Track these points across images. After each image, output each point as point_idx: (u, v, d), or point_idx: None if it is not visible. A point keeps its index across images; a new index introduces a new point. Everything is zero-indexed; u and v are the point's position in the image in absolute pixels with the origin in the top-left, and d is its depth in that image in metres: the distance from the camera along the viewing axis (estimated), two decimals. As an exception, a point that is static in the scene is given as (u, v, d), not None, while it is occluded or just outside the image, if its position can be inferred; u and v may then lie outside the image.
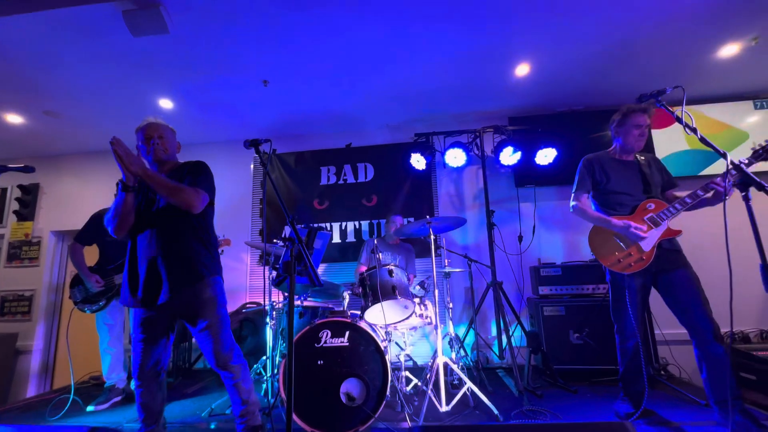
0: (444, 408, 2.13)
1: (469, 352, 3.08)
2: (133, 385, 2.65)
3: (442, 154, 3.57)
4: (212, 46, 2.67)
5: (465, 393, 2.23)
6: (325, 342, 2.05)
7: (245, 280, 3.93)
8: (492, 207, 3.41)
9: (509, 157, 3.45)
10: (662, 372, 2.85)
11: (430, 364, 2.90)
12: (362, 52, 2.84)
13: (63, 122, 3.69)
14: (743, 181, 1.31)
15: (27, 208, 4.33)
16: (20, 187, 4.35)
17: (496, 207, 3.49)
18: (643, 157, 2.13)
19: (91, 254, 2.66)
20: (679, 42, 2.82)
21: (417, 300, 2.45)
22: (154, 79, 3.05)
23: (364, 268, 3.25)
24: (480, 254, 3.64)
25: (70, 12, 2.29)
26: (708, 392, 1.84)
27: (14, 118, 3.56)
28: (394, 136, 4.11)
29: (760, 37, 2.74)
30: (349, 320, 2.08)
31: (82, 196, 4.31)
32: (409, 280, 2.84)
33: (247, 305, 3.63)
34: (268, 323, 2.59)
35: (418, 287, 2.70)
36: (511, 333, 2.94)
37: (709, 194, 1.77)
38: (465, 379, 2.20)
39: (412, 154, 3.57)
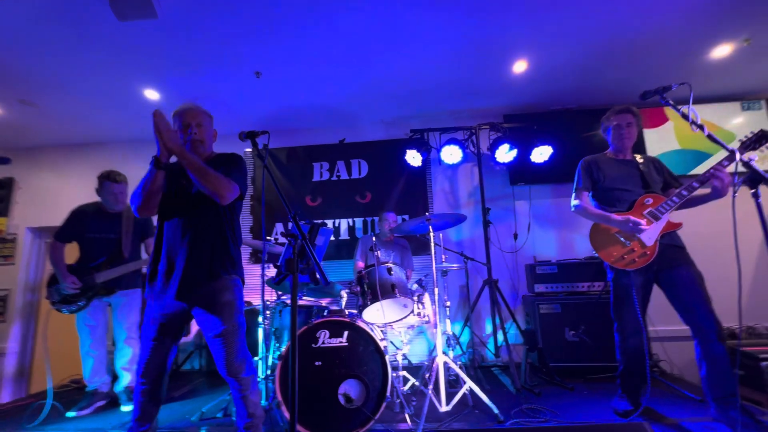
0: (444, 408, 2.09)
1: (464, 350, 3.06)
2: (117, 387, 2.55)
3: (438, 150, 3.53)
4: (203, 33, 2.55)
5: (463, 392, 2.20)
6: (323, 342, 1.98)
7: (235, 278, 3.81)
8: (487, 205, 3.39)
9: (505, 154, 3.44)
10: (655, 368, 2.88)
11: (426, 363, 2.87)
12: (357, 43, 2.76)
13: (40, 112, 3.49)
14: (752, 177, 1.30)
15: (1, 203, 4.10)
16: (-7, 181, 4.12)
17: (490, 205, 3.47)
18: (641, 158, 2.15)
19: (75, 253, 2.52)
20: (674, 42, 2.84)
21: (415, 298, 2.40)
22: (140, 67, 2.90)
23: (361, 264, 3.19)
24: (474, 252, 3.62)
25: (48, -9, 2.15)
26: (706, 389, 1.85)
27: (-15, 107, 3.36)
28: (389, 132, 4.05)
29: (752, 38, 2.78)
30: (347, 320, 2.02)
31: (61, 191, 4.10)
32: (407, 275, 2.79)
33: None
34: (261, 323, 2.51)
35: (415, 285, 2.66)
36: (507, 331, 2.93)
37: (707, 189, 1.79)
38: (466, 378, 2.17)
39: (407, 151, 3.52)
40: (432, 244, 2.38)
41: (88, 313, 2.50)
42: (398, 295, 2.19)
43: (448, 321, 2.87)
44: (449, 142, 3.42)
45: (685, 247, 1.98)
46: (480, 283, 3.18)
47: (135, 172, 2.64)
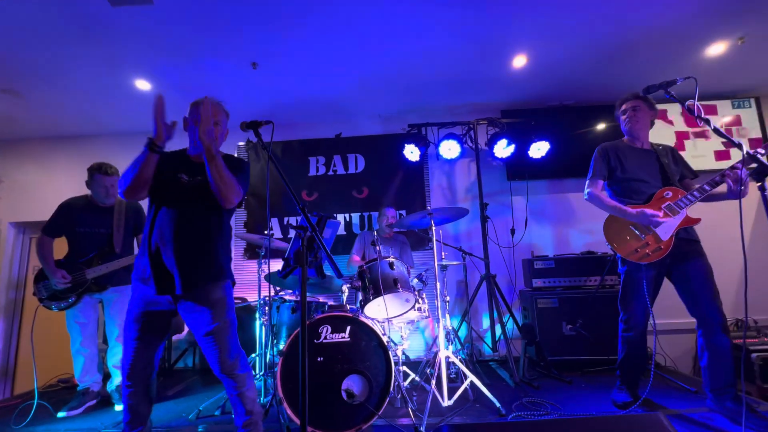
0: (446, 402, 2.09)
1: (462, 345, 3.06)
2: (110, 386, 2.48)
3: (436, 146, 3.51)
4: (199, 21, 2.47)
5: (465, 387, 2.20)
6: (325, 338, 1.95)
7: (229, 274, 3.74)
8: (484, 200, 3.39)
9: (503, 149, 3.44)
10: (649, 361, 2.93)
11: (424, 358, 2.87)
12: (355, 35, 2.71)
13: (24, 103, 3.35)
14: (759, 170, 1.31)
15: (-19, 197, 3.94)
16: (-27, 174, 3.95)
17: (488, 200, 3.47)
18: (661, 146, 2.11)
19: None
20: (671, 40, 2.87)
21: (417, 293, 2.38)
22: (131, 56, 2.80)
23: (357, 258, 3.16)
24: (472, 247, 3.62)
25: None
26: (705, 379, 1.88)
27: (-35, 97, 3.20)
28: (386, 126, 4.01)
29: (746, 37, 2.83)
30: (350, 315, 1.99)
31: (46, 185, 3.95)
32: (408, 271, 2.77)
33: (232, 301, 3.45)
34: (259, 319, 2.46)
35: (416, 280, 2.64)
36: (505, 325, 2.94)
37: (730, 183, 1.76)
38: (467, 372, 2.17)
39: (405, 145, 3.49)
40: (434, 239, 2.37)
41: (79, 310, 2.42)
42: (401, 290, 2.17)
43: (448, 316, 2.86)
44: (447, 136, 3.41)
45: (699, 240, 1.96)
46: (477, 278, 3.19)
47: (125, 165, 2.53)
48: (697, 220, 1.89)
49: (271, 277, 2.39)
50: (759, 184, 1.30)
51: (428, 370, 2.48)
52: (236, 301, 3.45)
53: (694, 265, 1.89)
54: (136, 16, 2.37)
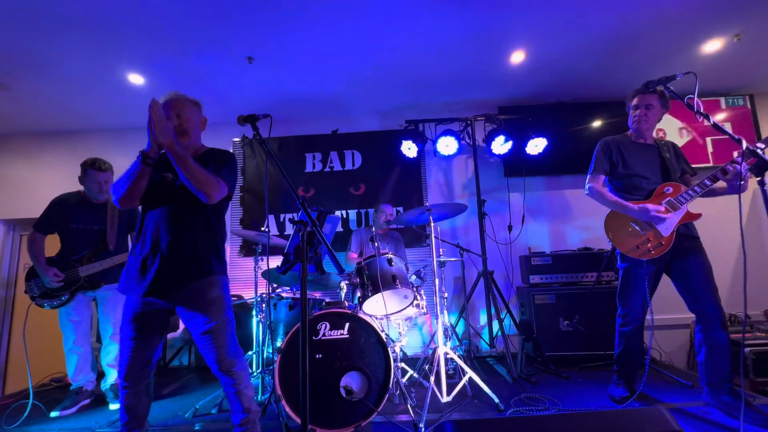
0: (445, 399, 2.09)
1: (460, 341, 3.06)
2: (104, 385, 2.44)
3: (433, 142, 3.50)
4: (194, 13, 2.42)
5: (464, 383, 2.20)
6: (324, 334, 1.93)
7: (225, 271, 3.71)
8: (482, 197, 3.39)
9: (501, 146, 3.43)
10: (644, 356, 2.96)
11: (421, 355, 2.86)
12: (352, 31, 2.68)
13: (13, 97, 3.27)
14: (759, 165, 1.32)
15: (-30, 194, 3.86)
16: (-39, 169, 3.87)
17: (485, 196, 3.47)
18: (663, 142, 2.10)
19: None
20: (669, 35, 2.87)
21: (415, 289, 2.38)
22: (124, 49, 2.74)
23: (354, 255, 3.14)
24: (469, 243, 3.63)
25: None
26: (702, 374, 1.90)
27: (-48, 90, 3.12)
28: (383, 123, 3.99)
29: (743, 34, 2.84)
30: (348, 311, 1.98)
31: (36, 181, 3.87)
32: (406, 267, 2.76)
33: (228, 298, 3.42)
34: (256, 316, 2.44)
35: (414, 276, 2.63)
36: (502, 321, 2.94)
37: (728, 177, 1.74)
38: (466, 368, 2.17)
39: (403, 142, 3.47)
40: (432, 235, 2.36)
41: (72, 308, 2.38)
42: (399, 286, 2.15)
43: (446, 312, 2.86)
44: (445, 133, 3.39)
45: (699, 236, 1.96)
46: (475, 275, 3.19)
47: (117, 162, 2.51)
48: (698, 216, 1.89)
49: (268, 274, 2.36)
50: (759, 178, 1.31)
51: (426, 367, 2.48)
52: (233, 298, 3.43)
53: (693, 261, 1.89)
54: (127, 5, 2.31)
